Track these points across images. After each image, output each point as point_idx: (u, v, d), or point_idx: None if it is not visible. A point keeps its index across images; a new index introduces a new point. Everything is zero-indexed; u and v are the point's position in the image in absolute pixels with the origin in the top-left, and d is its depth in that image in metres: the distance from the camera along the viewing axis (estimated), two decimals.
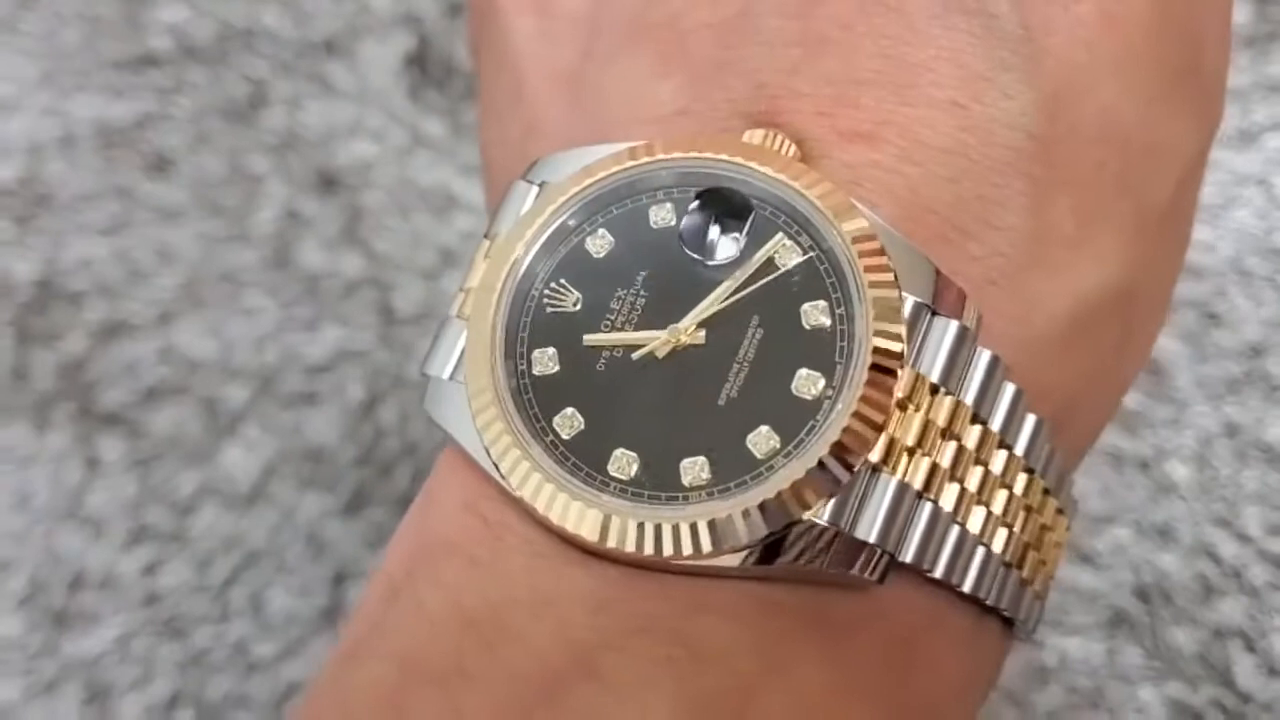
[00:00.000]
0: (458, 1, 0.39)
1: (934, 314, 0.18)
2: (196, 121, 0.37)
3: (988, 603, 0.20)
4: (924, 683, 0.20)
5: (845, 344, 0.18)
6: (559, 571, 0.18)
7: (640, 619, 0.18)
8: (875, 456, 0.18)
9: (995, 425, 0.19)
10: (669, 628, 0.17)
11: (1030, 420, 0.20)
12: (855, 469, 0.17)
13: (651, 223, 0.19)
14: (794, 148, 0.19)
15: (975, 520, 0.19)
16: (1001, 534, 0.20)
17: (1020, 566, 0.20)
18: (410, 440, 0.34)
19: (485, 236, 0.21)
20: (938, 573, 0.19)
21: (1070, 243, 0.20)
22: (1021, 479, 0.20)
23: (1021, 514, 0.20)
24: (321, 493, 0.34)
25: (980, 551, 0.19)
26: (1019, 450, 0.20)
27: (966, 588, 0.19)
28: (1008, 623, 0.21)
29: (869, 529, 0.18)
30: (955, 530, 0.19)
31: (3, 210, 0.36)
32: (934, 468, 0.18)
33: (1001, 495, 0.20)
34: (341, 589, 0.33)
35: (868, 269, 0.18)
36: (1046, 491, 0.21)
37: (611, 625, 0.17)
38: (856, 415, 0.17)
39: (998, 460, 0.19)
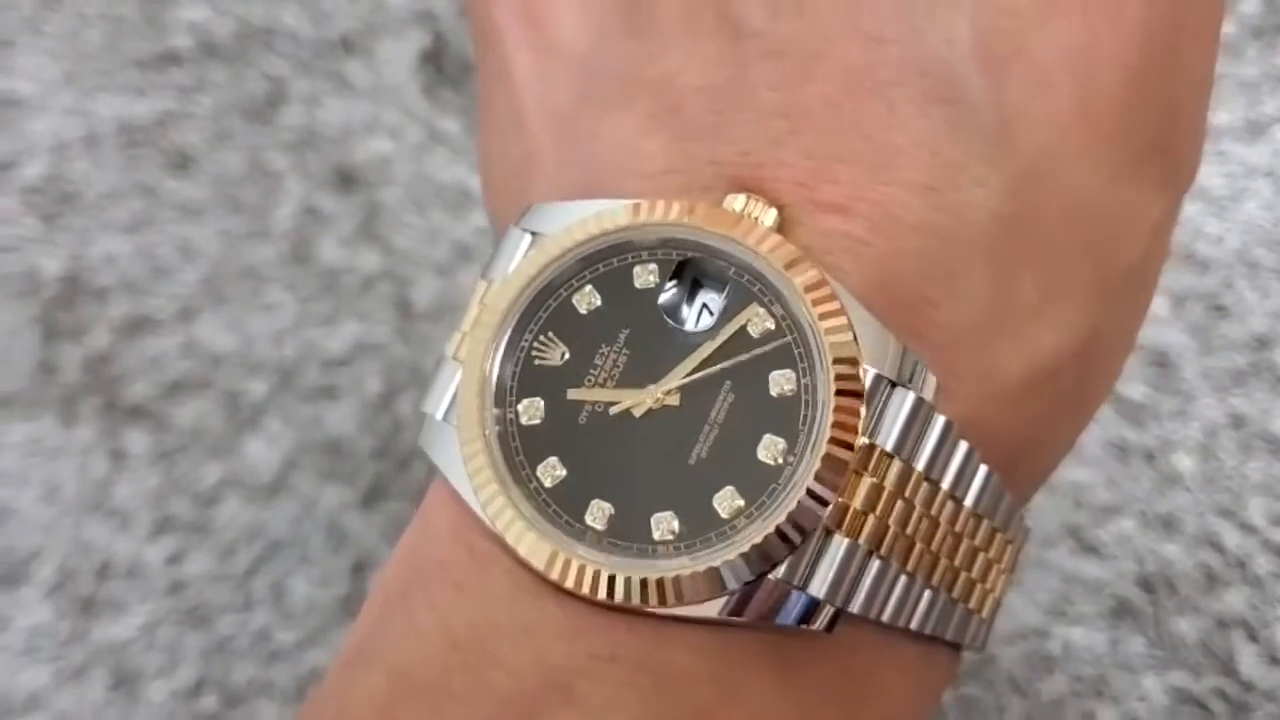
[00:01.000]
0: None
1: (893, 385, 0.19)
2: (217, 119, 0.38)
3: (936, 636, 0.21)
4: (873, 711, 0.21)
5: (808, 413, 0.19)
6: (537, 603, 0.19)
7: (610, 648, 0.19)
8: (829, 523, 0.19)
9: (945, 484, 0.20)
10: (635, 657, 0.19)
11: (981, 472, 0.21)
12: (811, 533, 0.19)
13: (635, 283, 0.20)
14: (774, 212, 0.19)
15: (922, 568, 0.20)
16: (957, 580, 0.21)
17: (967, 600, 0.21)
18: None
19: (482, 278, 0.22)
20: (885, 618, 0.20)
21: (1032, 312, 0.20)
22: (970, 524, 0.21)
23: (969, 556, 0.21)
24: (340, 485, 0.34)
25: (927, 594, 0.20)
26: (968, 502, 0.21)
27: (913, 626, 0.20)
28: (954, 646, 0.22)
29: (820, 586, 0.19)
30: (903, 580, 0.20)
31: (30, 208, 0.37)
32: (884, 528, 0.19)
33: (949, 542, 0.21)
34: (360, 579, 0.34)
35: (833, 345, 0.19)
36: (995, 530, 0.22)
37: (584, 653, 0.19)
38: (815, 480, 0.18)
39: (947, 512, 0.20)
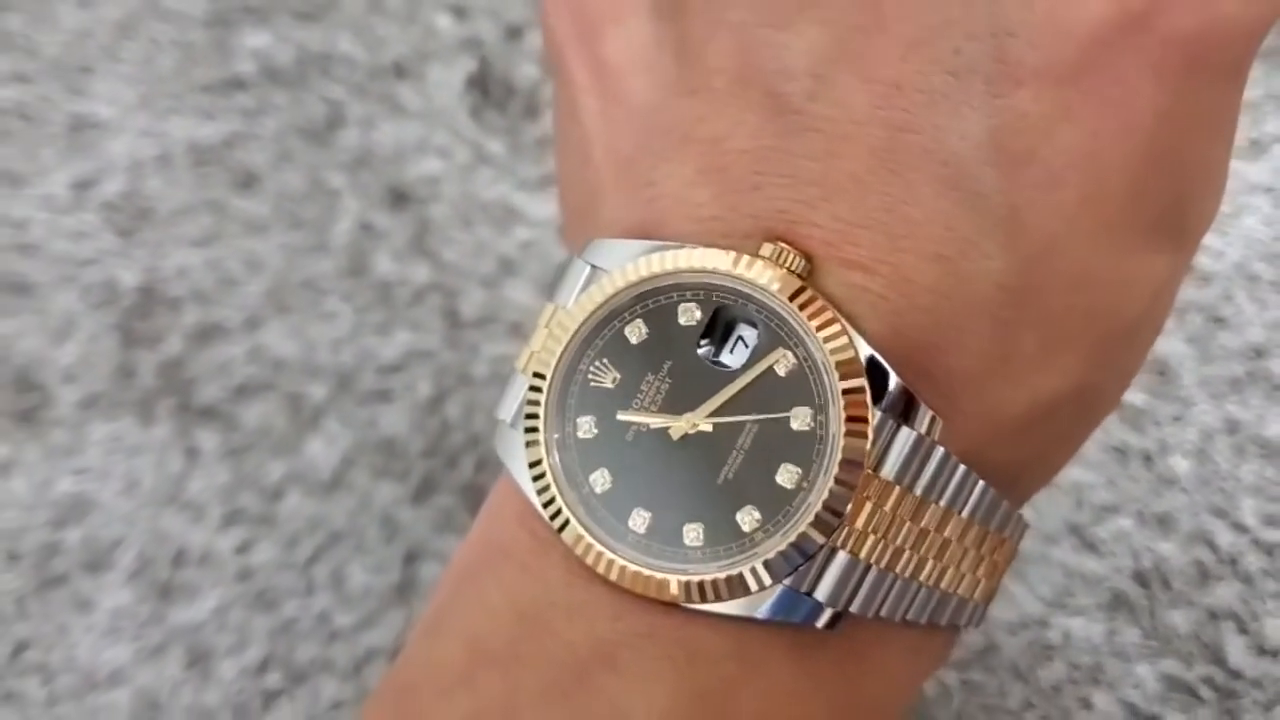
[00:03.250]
0: (516, 25, 0.41)
1: (899, 424, 0.21)
2: (279, 140, 0.40)
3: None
4: (874, 686, 0.23)
5: (821, 446, 0.21)
6: (589, 586, 0.22)
7: (648, 626, 0.21)
8: (835, 543, 0.21)
9: (943, 503, 0.22)
10: (670, 635, 0.21)
11: (979, 488, 0.23)
12: (819, 550, 0.21)
13: (680, 320, 0.23)
14: (802, 261, 0.22)
15: (922, 574, 0.23)
16: (947, 575, 0.23)
17: (959, 589, 0.24)
18: (474, 433, 0.37)
19: (549, 300, 0.24)
20: (882, 615, 0.22)
21: (1034, 364, 0.23)
22: (966, 531, 0.23)
23: (962, 556, 0.23)
24: (394, 481, 0.36)
25: (924, 592, 0.23)
26: (964, 514, 0.23)
27: (909, 619, 0.23)
28: (952, 627, 0.25)
29: (823, 593, 0.21)
30: (899, 584, 0.22)
31: (109, 224, 0.39)
32: (884, 544, 0.22)
33: (945, 548, 0.23)
34: (412, 567, 0.36)
35: (844, 386, 0.21)
36: (989, 531, 0.24)
37: (627, 630, 0.21)
38: (824, 506, 0.21)
39: (943, 524, 0.23)
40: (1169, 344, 0.37)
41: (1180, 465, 0.35)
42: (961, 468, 0.22)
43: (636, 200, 0.24)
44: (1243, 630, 0.33)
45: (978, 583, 0.24)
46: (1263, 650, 0.33)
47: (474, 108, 0.40)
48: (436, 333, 0.38)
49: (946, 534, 0.23)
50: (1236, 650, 0.33)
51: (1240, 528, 0.34)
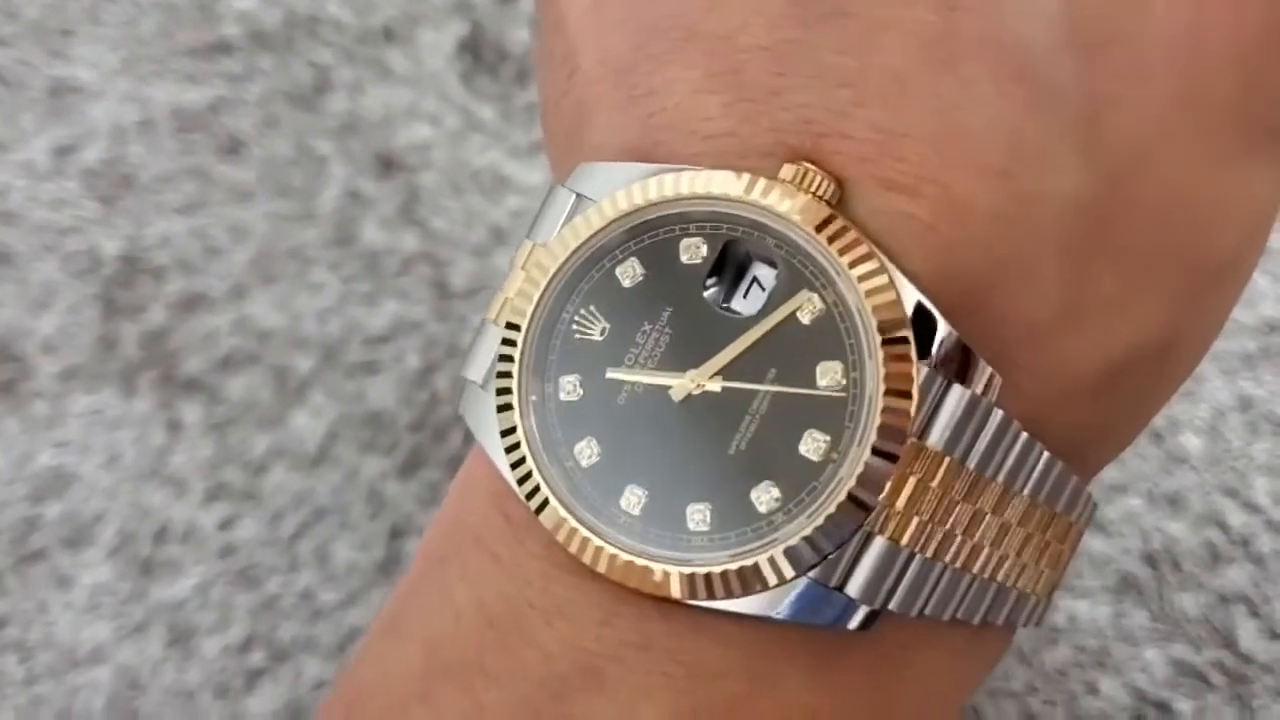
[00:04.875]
0: None
1: (949, 383, 0.18)
2: (265, 106, 0.39)
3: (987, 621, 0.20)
4: (914, 696, 0.20)
5: (855, 408, 0.18)
6: (572, 581, 0.19)
7: (642, 635, 0.18)
8: (870, 525, 0.18)
9: (1001, 477, 0.19)
10: (667, 646, 0.18)
11: (1043, 461, 0.19)
12: (851, 536, 0.18)
13: (682, 258, 0.19)
14: (832, 185, 0.18)
15: (975, 562, 0.19)
16: (1005, 565, 0.20)
17: (1018, 583, 0.20)
18: None
19: (527, 238, 0.21)
20: (928, 613, 0.19)
21: (1109, 309, 0.19)
22: (1027, 513, 0.20)
23: (1023, 543, 0.20)
24: (380, 455, 0.36)
25: (978, 585, 0.19)
26: (1026, 492, 0.19)
27: (961, 615, 0.19)
28: (1008, 625, 0.21)
29: (856, 589, 0.18)
30: (947, 575, 0.19)
31: (90, 191, 0.38)
32: (931, 528, 0.18)
33: (1000, 534, 0.19)
34: (398, 543, 0.35)
35: (885, 336, 0.18)
36: (1055, 514, 0.20)
37: (616, 638, 0.18)
38: (859, 483, 0.17)
39: (1000, 504, 0.19)
40: None
41: (1191, 443, 0.34)
42: (1024, 436, 0.19)
43: (632, 116, 0.20)
44: (1254, 613, 0.33)
45: (1040, 574, 0.21)
46: (1275, 634, 0.32)
47: (465, 73, 0.39)
48: (425, 303, 0.37)
49: (1006, 516, 0.19)
50: (1248, 634, 0.32)
51: (1253, 508, 0.34)
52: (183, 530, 0.35)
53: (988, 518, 0.19)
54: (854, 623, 0.18)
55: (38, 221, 0.38)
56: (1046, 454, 0.19)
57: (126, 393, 0.36)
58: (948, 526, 0.19)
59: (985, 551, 0.19)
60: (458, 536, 0.20)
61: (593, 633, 0.18)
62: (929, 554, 0.18)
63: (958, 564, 0.19)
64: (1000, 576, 0.20)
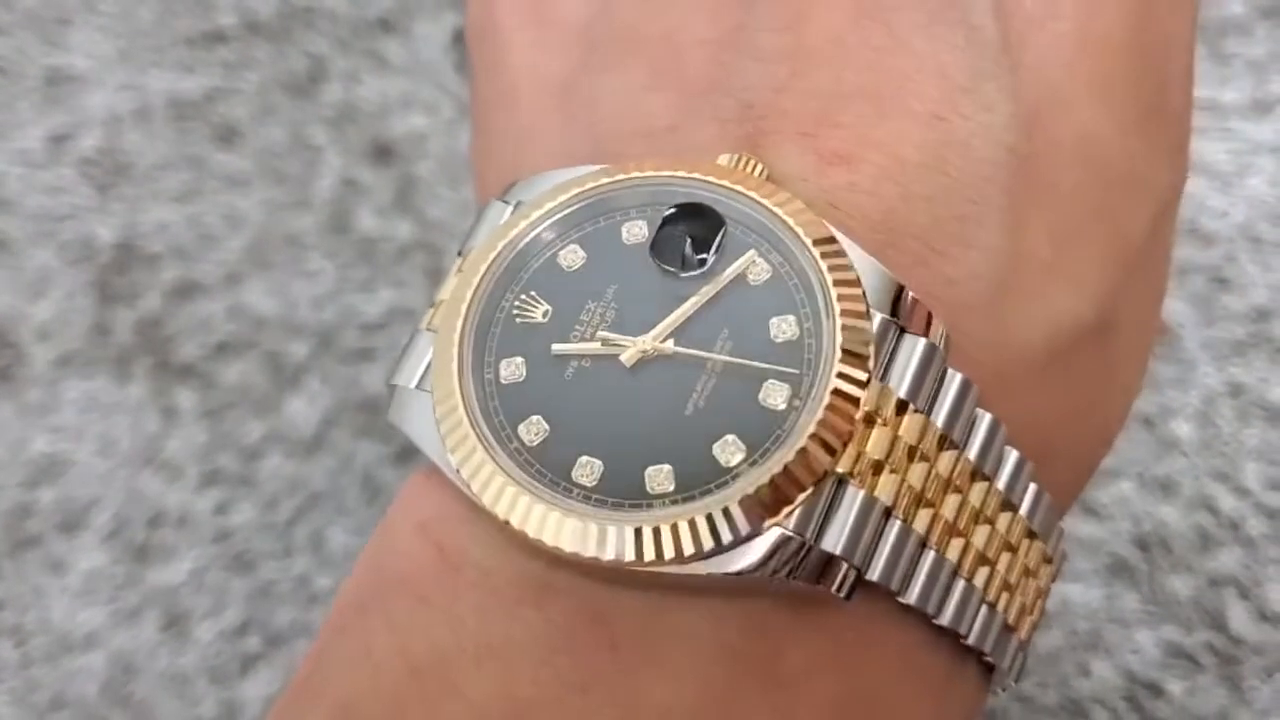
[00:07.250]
0: None
1: (902, 331, 0.18)
2: (261, 95, 0.39)
3: (968, 641, 0.19)
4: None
5: (812, 356, 0.18)
6: (510, 612, 0.17)
7: (584, 674, 0.17)
8: (841, 468, 0.17)
9: (971, 453, 0.19)
10: (610, 686, 0.17)
11: (1012, 455, 0.19)
12: (820, 478, 0.17)
13: (624, 239, 0.19)
14: (764, 170, 0.19)
15: (952, 551, 0.19)
16: (982, 571, 0.19)
17: (999, 606, 0.20)
18: None
19: (459, 254, 0.21)
20: (911, 598, 0.18)
21: (1046, 267, 0.19)
22: (1003, 517, 0.20)
23: (1003, 553, 0.20)
24: (376, 441, 0.36)
25: (960, 584, 0.19)
26: (999, 484, 0.19)
27: (945, 620, 0.19)
28: (986, 670, 0.20)
29: (835, 541, 0.17)
30: (930, 555, 0.18)
31: (86, 178, 0.38)
32: (903, 485, 0.18)
33: (982, 530, 0.19)
34: None
35: (836, 283, 0.18)
36: (1032, 534, 0.20)
37: (555, 681, 0.17)
38: (822, 424, 0.17)
39: (975, 491, 0.19)
40: (1171, 305, 0.36)
41: (1182, 429, 0.35)
42: (987, 414, 0.19)
43: (575, 128, 0.20)
44: (1244, 596, 0.33)
45: (1023, 610, 0.20)
46: (1264, 616, 0.33)
47: (460, 62, 0.39)
48: (420, 290, 0.37)
49: (982, 508, 0.19)
50: (1238, 616, 0.33)
51: (1242, 492, 0.34)
52: (178, 515, 0.35)
53: (964, 497, 0.19)
54: (837, 583, 0.17)
55: (34, 209, 0.38)
56: (1015, 451, 0.19)
57: (122, 379, 0.36)
58: (926, 495, 0.18)
59: (971, 549, 0.19)
60: (380, 583, 0.19)
61: (528, 676, 0.17)
62: (904, 517, 0.18)
63: (933, 541, 0.18)
64: (988, 591, 0.19)
